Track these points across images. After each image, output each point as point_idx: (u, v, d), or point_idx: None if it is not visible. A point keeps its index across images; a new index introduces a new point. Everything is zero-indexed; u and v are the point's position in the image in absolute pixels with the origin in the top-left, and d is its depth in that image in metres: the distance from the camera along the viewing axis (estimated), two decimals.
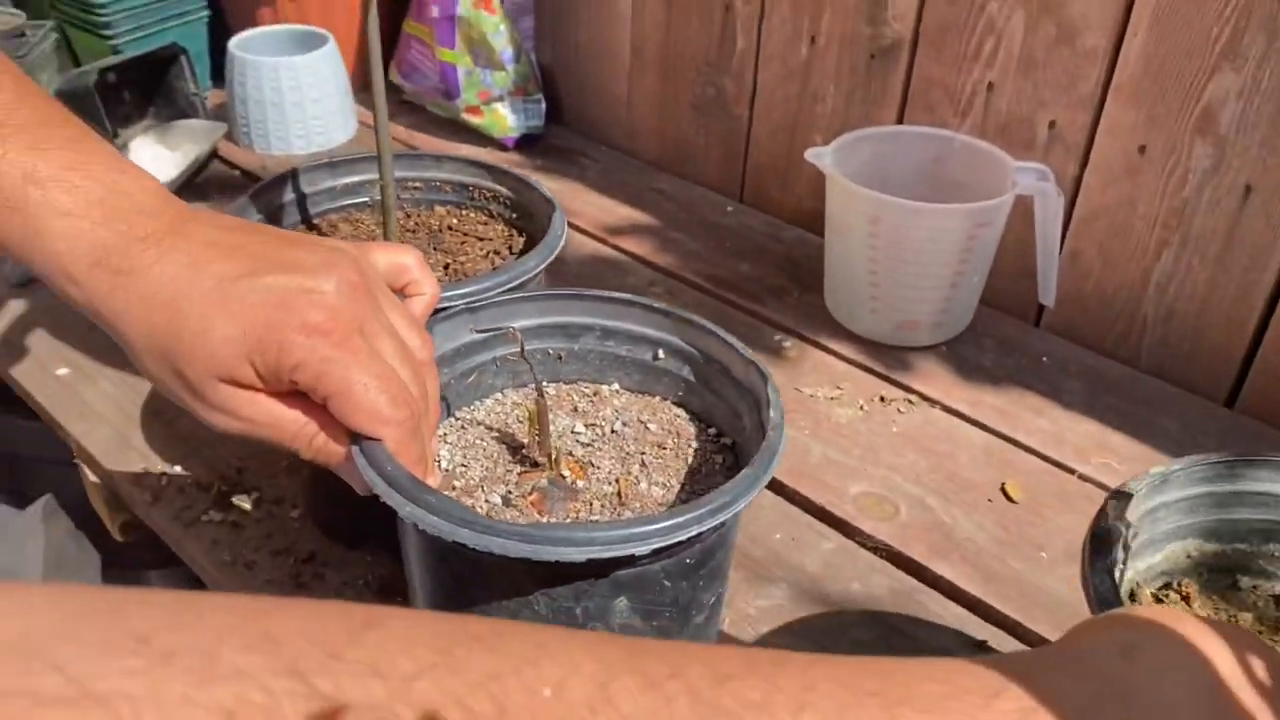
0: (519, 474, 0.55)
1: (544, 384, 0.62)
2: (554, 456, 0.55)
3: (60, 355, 0.92)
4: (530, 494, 0.53)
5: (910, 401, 0.89)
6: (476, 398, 0.60)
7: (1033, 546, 0.76)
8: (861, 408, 0.88)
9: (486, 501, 0.52)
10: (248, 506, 0.77)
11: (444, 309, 0.58)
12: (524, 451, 0.56)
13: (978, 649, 0.69)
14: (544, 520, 0.52)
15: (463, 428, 0.58)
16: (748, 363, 0.55)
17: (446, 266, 0.71)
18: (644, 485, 0.54)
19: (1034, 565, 0.74)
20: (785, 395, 0.88)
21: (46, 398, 0.87)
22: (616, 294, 0.60)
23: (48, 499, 1.19)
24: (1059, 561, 0.74)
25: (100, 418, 0.85)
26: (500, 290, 0.61)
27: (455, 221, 0.75)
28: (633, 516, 0.52)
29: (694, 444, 0.57)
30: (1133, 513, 0.47)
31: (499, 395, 0.61)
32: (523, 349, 0.53)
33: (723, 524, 0.48)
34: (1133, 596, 0.49)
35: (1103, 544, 0.45)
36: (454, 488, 0.53)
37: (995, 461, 0.83)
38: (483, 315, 0.59)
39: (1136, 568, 0.50)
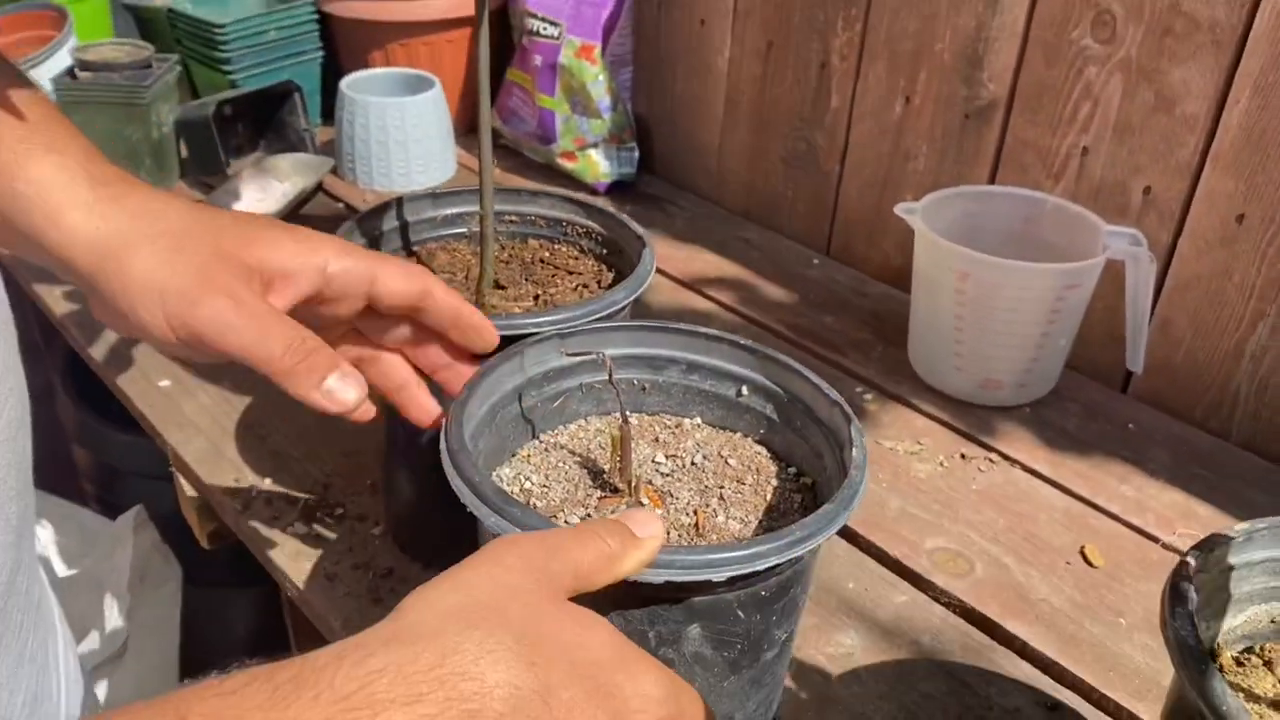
0: (599, 499, 0.56)
1: (626, 414, 0.63)
2: (634, 484, 0.56)
3: (163, 368, 0.96)
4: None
5: (991, 460, 0.88)
6: (561, 422, 0.62)
7: (1111, 612, 0.74)
8: (941, 463, 0.87)
9: (566, 523, 0.54)
10: (332, 522, 0.79)
11: (534, 334, 0.60)
12: (605, 477, 0.57)
13: (1052, 711, 0.67)
14: None
15: (546, 450, 0.60)
16: (832, 403, 0.55)
17: (537, 298, 0.73)
18: (721, 518, 0.55)
19: (1112, 630, 0.73)
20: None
21: (149, 407, 0.91)
22: (703, 329, 0.62)
23: (138, 510, 1.23)
24: (1138, 628, 0.73)
25: (197, 429, 0.88)
26: (589, 319, 0.63)
27: (548, 255, 0.78)
28: (711, 544, 0.53)
29: (773, 482, 0.58)
30: (1214, 567, 0.46)
31: (583, 421, 0.62)
32: (611, 374, 0.55)
33: (800, 558, 0.48)
34: (1213, 655, 0.48)
35: (1183, 594, 0.44)
36: (535, 508, 0.54)
37: (1075, 525, 0.82)
38: (573, 342, 0.61)
39: (1218, 627, 0.49)
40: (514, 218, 0.79)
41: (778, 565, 0.47)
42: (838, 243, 1.20)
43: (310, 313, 0.55)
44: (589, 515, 0.54)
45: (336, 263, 0.54)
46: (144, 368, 0.96)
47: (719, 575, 0.45)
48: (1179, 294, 0.94)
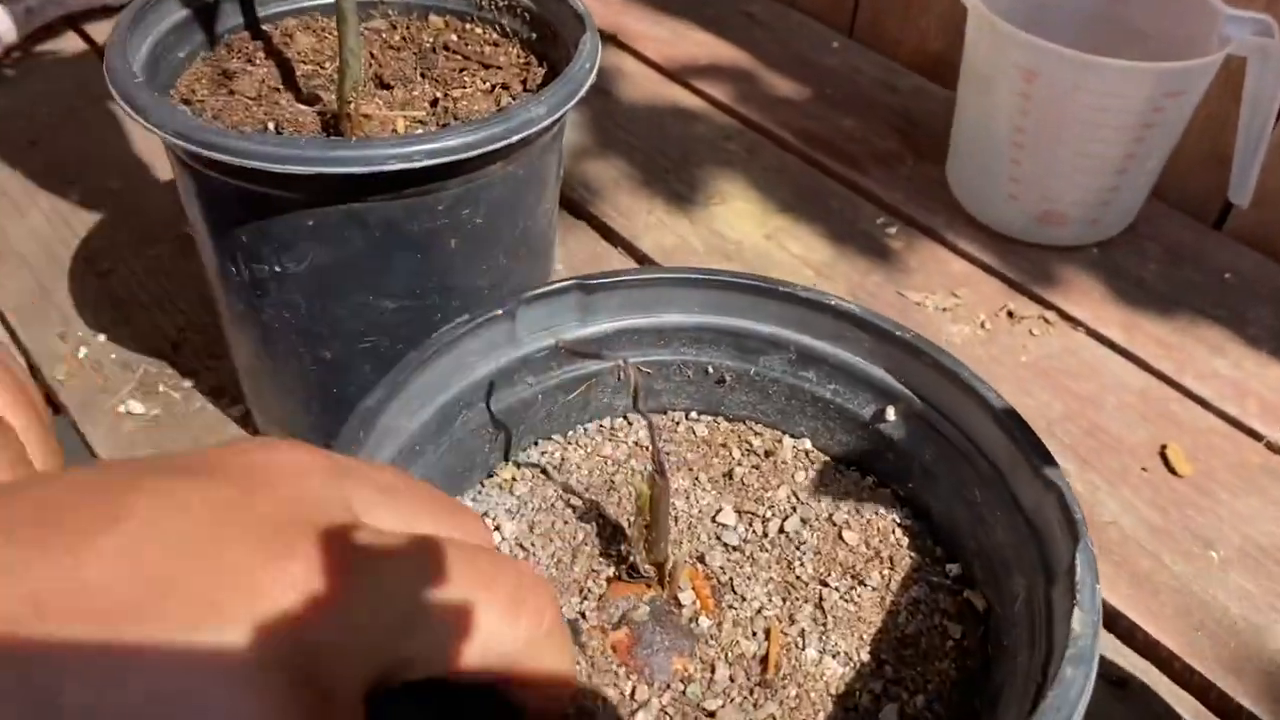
0: (606, 582, 0.35)
1: (690, 418, 0.41)
2: (671, 564, 0.35)
3: None
4: (616, 626, 0.34)
5: (1047, 321, 0.68)
6: (581, 421, 0.40)
7: (1200, 541, 0.56)
8: (983, 325, 0.67)
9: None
10: (178, 397, 0.60)
11: (552, 285, 0.37)
12: (624, 547, 0.36)
13: (1117, 688, 0.50)
14: (628, 682, 0.32)
15: (541, 476, 0.38)
16: (1047, 486, 0.32)
17: (435, 103, 0.51)
18: (812, 652, 0.34)
19: (1200, 569, 0.55)
20: (884, 300, 0.67)
21: None
22: (832, 297, 0.38)
23: None
24: (1234, 565, 0.55)
25: (22, 260, 0.68)
26: (495, 142, 0.42)
27: (455, 39, 0.55)
28: None
29: (914, 589, 0.36)
30: None
31: (617, 421, 0.41)
32: (636, 396, 0.32)
33: None
34: None
35: None
36: None
37: (1155, 414, 0.63)
38: (600, 299, 0.38)
39: None
40: None
41: None
42: (864, 20, 0.96)
43: None
44: (581, 614, 0.34)
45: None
46: None
47: None
48: None
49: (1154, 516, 0.57)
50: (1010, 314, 0.68)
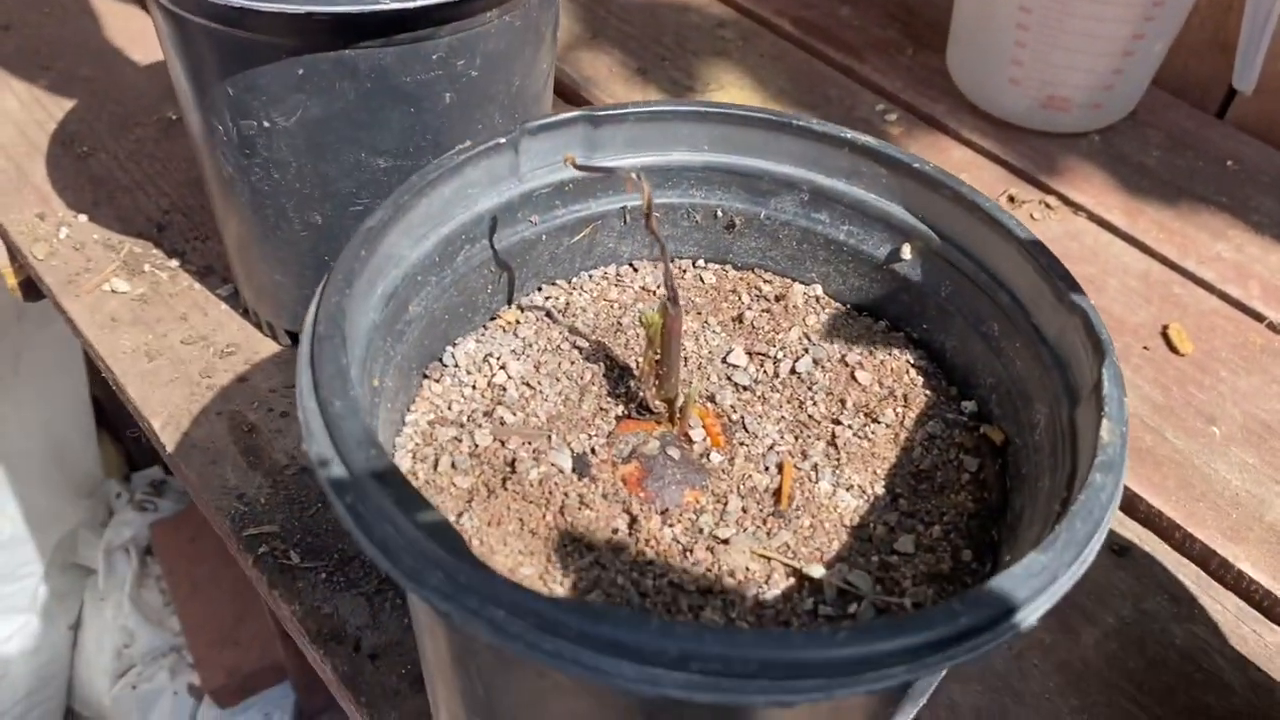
0: (615, 420, 0.34)
1: (698, 265, 0.39)
2: (681, 401, 0.34)
3: None
4: (626, 460, 0.33)
5: (1048, 206, 0.67)
6: (585, 267, 0.39)
7: (1201, 417, 0.56)
8: None
9: (549, 464, 0.32)
10: (164, 276, 0.58)
11: (557, 116, 0.35)
12: (632, 383, 0.35)
13: (1118, 555, 0.50)
14: (635, 510, 0.31)
15: (546, 319, 0.37)
16: (1071, 308, 0.31)
17: None
18: (825, 485, 0.33)
19: (1202, 444, 0.54)
20: None
21: None
22: (850, 132, 0.36)
23: None
24: (1236, 440, 0.55)
25: None
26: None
27: None
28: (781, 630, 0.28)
29: (929, 425, 0.35)
30: None
31: (622, 269, 0.39)
32: (650, 214, 0.31)
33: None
34: None
35: None
36: (504, 422, 0.33)
37: (1156, 295, 0.62)
38: (608, 133, 0.36)
39: None
40: None
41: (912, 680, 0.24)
42: None
43: None
44: (590, 450, 0.33)
45: None
46: None
47: (808, 697, 0.23)
48: None
49: (1156, 394, 0.57)
50: (1011, 199, 0.67)
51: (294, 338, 0.54)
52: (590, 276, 0.39)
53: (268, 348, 0.55)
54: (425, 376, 0.34)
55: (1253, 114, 0.75)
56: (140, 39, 0.74)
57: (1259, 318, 0.61)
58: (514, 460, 0.32)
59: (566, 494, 0.31)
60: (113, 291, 0.57)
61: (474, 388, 0.34)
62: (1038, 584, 0.25)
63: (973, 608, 0.24)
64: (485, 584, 0.23)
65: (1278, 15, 0.66)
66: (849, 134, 0.36)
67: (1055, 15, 0.65)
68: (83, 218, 0.61)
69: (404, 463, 0.31)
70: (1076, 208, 0.67)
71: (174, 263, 0.59)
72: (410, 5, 0.40)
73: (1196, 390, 0.57)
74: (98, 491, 1.29)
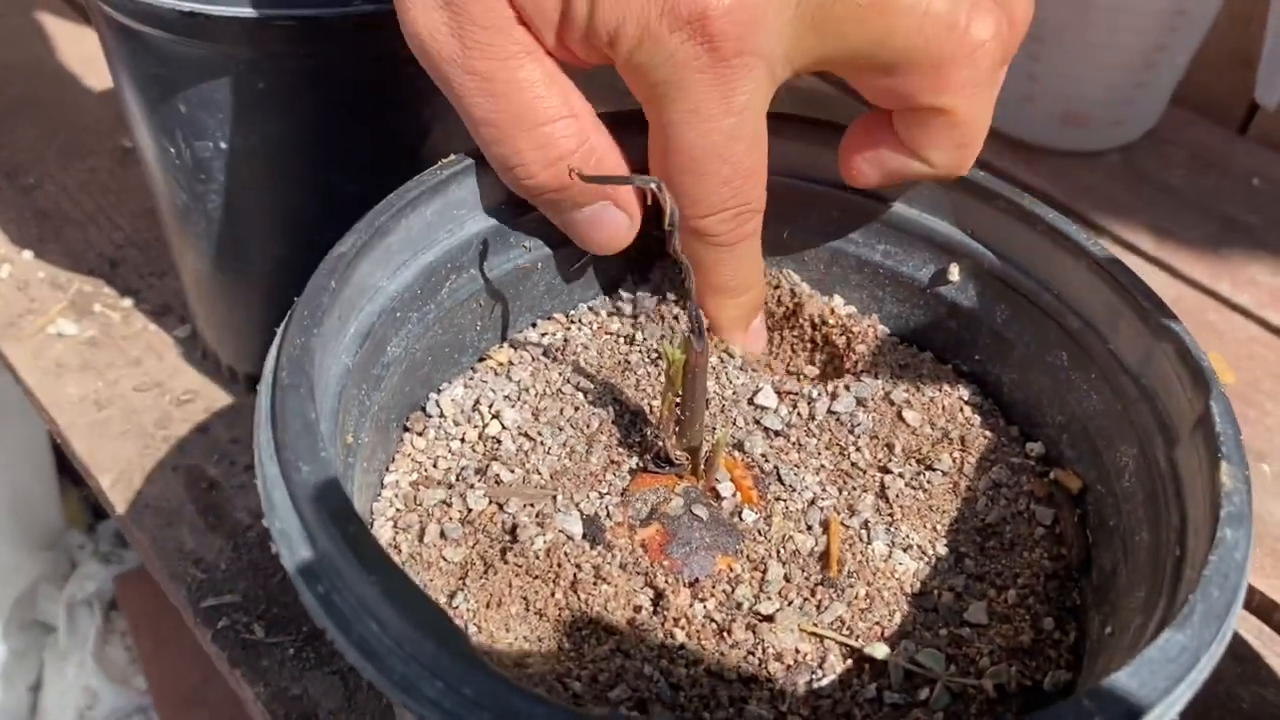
0: (630, 474, 0.29)
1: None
2: (706, 450, 0.29)
3: None
4: (646, 522, 0.28)
5: None
6: (585, 299, 0.34)
7: (1250, 454, 0.51)
8: None
9: (556, 530, 0.27)
10: (116, 317, 0.53)
11: None
12: (648, 430, 0.30)
13: None
14: (660, 583, 0.26)
15: (543, 358, 0.32)
16: (1159, 335, 0.27)
17: None
18: (879, 545, 0.28)
19: (1253, 484, 0.50)
20: None
21: None
22: None
23: None
24: None
25: None
26: None
27: None
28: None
29: (993, 471, 0.30)
30: None
31: (633, 295, 0.34)
32: (672, 231, 0.26)
33: None
34: None
35: None
36: (500, 481, 0.28)
37: (1191, 323, 0.57)
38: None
39: None
40: None
41: None
42: None
43: None
44: (602, 512, 0.28)
45: None
46: None
47: None
48: None
49: None
50: None
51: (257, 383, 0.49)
52: (590, 307, 0.34)
53: (229, 394, 0.49)
54: (406, 429, 0.30)
55: (1276, 129, 0.71)
56: (96, 62, 0.69)
57: None
58: (514, 527, 0.27)
59: (578, 566, 0.26)
60: (59, 334, 0.52)
61: (464, 441, 0.29)
62: (1177, 670, 0.20)
63: (1107, 705, 0.19)
64: (498, 696, 0.18)
65: None
66: None
67: (1074, 25, 0.61)
68: (27, 254, 0.56)
69: (384, 533, 0.26)
70: (1100, 230, 0.63)
71: (127, 302, 0.54)
72: (385, 6, 0.35)
73: (1241, 424, 0.53)
74: (59, 543, 1.23)
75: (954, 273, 0.32)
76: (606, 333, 0.33)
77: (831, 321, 0.33)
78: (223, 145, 0.40)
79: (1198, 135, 0.71)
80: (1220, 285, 0.60)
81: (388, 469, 0.28)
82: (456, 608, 0.25)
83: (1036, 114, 0.67)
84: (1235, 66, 0.71)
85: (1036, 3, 0.60)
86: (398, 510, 0.27)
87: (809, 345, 0.33)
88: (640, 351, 0.32)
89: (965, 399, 0.32)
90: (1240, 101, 0.72)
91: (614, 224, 0.30)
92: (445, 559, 0.26)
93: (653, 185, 0.25)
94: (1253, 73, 0.66)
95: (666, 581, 0.26)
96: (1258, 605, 0.46)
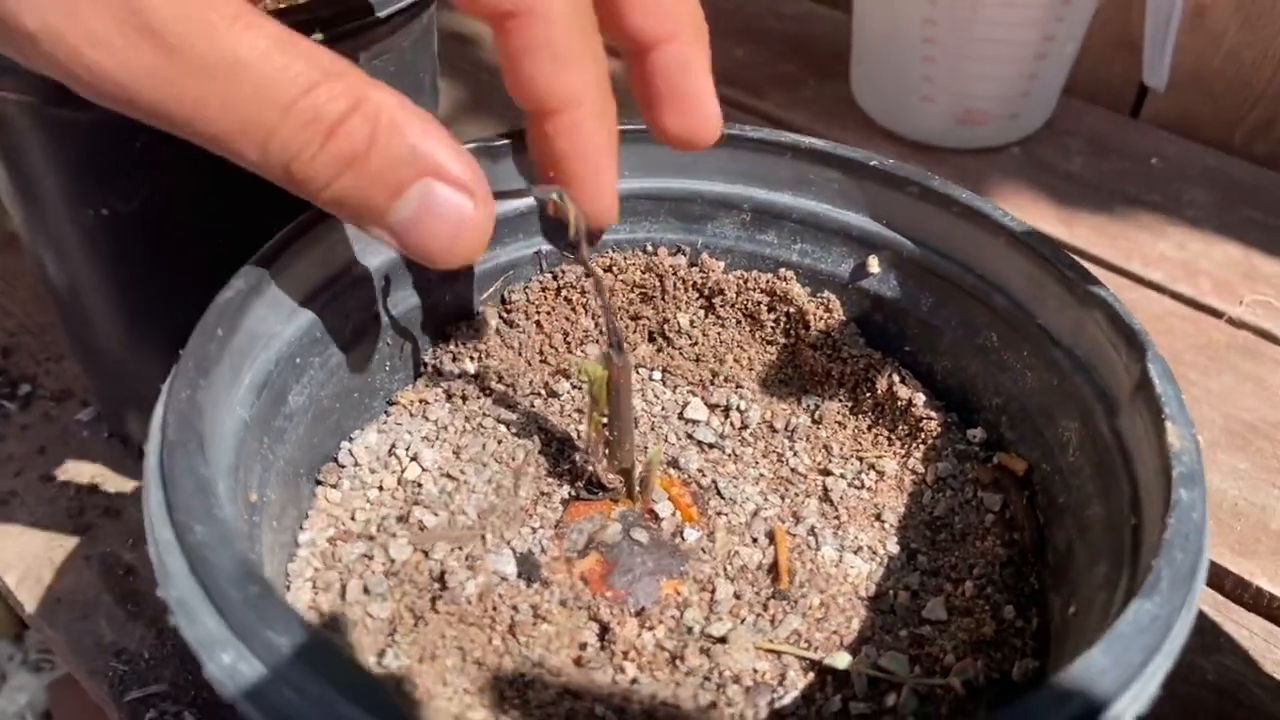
0: (562, 504, 0.28)
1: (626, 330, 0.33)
2: (640, 470, 0.28)
3: None
4: (583, 553, 0.27)
5: None
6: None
7: None
8: None
9: (489, 572, 0.25)
10: (13, 407, 0.50)
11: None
12: (577, 456, 0.29)
13: None
14: (604, 616, 0.25)
15: (459, 394, 0.30)
16: (1086, 303, 0.26)
17: None
18: (828, 551, 0.27)
19: None
20: None
21: None
22: (791, 136, 0.31)
23: None
24: (1220, 446, 0.51)
25: None
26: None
27: None
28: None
29: (937, 464, 0.29)
30: None
31: (539, 326, 0.33)
32: (580, 242, 0.24)
33: None
34: None
35: None
36: (422, 526, 0.26)
37: None
38: (506, 168, 0.30)
39: None
40: None
41: None
42: None
43: None
44: (535, 549, 0.26)
45: None
46: None
47: None
48: None
49: None
50: None
51: None
52: (501, 342, 0.33)
53: (140, 475, 0.47)
54: (319, 482, 0.28)
55: (1167, 109, 0.73)
56: None
57: (1216, 314, 0.58)
58: (443, 573, 0.25)
59: (515, 607, 0.24)
60: None
61: (381, 489, 0.28)
62: (1151, 640, 0.19)
63: (1079, 686, 0.18)
64: None
65: (1181, 7, 0.64)
66: (790, 138, 0.31)
67: (963, 23, 0.62)
68: None
69: (302, 596, 0.25)
70: None
71: (24, 389, 0.51)
72: None
73: None
74: None
75: (874, 265, 0.31)
76: (549, 347, 0.32)
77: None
78: (103, 212, 0.38)
79: (1093, 122, 0.72)
80: (1132, 264, 0.61)
81: (301, 527, 0.27)
82: (387, 667, 0.23)
83: (934, 115, 0.67)
84: (1121, 52, 0.72)
85: (928, 3, 0.60)
86: (315, 570, 0.25)
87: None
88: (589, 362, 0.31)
89: (899, 392, 0.31)
90: (1130, 86, 0.73)
91: (452, 212, 0.22)
92: (371, 615, 0.24)
93: (554, 195, 0.24)
94: (1138, 56, 0.68)
95: (611, 613, 0.25)
96: (1209, 576, 0.46)
